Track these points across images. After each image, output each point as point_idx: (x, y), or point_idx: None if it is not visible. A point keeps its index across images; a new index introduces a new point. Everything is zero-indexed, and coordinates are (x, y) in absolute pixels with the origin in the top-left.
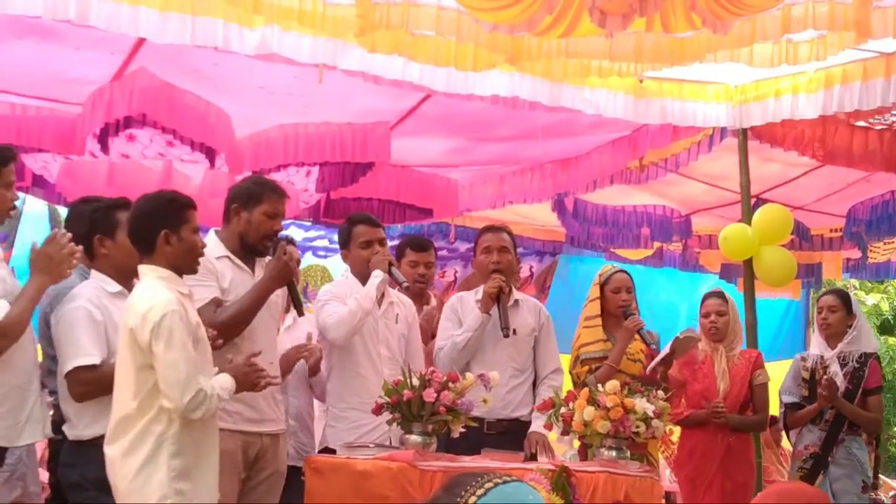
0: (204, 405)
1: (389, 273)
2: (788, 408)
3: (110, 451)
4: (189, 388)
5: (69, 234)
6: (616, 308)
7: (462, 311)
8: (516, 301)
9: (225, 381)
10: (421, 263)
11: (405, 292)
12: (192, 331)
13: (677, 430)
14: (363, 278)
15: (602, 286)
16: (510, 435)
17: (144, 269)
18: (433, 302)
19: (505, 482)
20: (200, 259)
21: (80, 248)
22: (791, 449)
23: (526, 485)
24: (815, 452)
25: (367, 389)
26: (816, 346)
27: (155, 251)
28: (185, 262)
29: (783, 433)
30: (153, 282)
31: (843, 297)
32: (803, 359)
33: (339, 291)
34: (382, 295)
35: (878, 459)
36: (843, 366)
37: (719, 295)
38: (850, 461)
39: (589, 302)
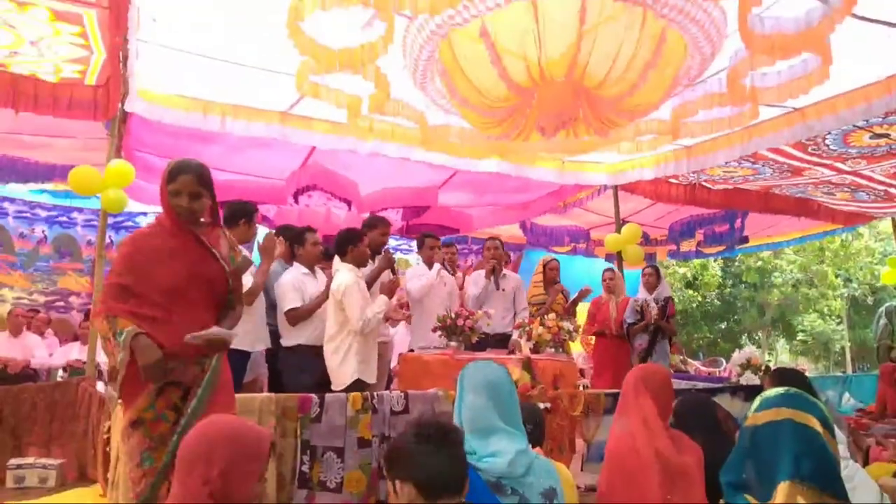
0: (370, 325)
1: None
2: (629, 325)
3: (327, 350)
4: (361, 319)
5: (275, 233)
6: (550, 278)
7: (475, 280)
8: (505, 274)
9: (379, 303)
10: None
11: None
12: (362, 293)
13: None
14: (428, 265)
15: (544, 265)
16: (503, 341)
17: (338, 264)
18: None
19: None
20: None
21: (282, 240)
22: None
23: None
24: (645, 347)
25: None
26: (641, 292)
27: (346, 255)
28: (359, 262)
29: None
30: (345, 271)
31: (656, 269)
32: (635, 300)
33: (421, 271)
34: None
35: (672, 349)
36: (656, 303)
37: (612, 270)
38: (662, 352)
39: (536, 274)
